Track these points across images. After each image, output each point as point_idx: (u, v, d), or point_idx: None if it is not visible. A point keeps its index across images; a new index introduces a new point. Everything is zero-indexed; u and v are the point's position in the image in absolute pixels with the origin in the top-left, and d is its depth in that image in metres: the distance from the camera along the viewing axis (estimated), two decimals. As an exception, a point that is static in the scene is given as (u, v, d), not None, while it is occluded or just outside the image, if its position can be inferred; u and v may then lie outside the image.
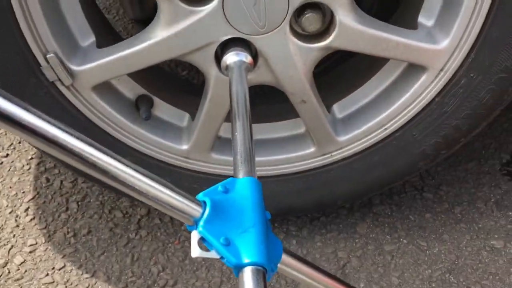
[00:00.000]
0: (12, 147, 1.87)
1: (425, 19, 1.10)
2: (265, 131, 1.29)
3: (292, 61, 1.07)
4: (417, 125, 1.18)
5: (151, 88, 1.25)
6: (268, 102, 1.34)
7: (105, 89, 1.16)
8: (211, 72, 1.09)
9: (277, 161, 1.27)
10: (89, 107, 1.15)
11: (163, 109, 1.26)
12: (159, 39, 1.04)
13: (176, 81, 1.36)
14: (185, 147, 1.24)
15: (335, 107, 1.26)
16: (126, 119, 1.19)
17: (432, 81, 1.13)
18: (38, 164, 1.75)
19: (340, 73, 1.31)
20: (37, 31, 1.04)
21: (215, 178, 1.30)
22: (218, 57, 1.08)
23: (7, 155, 1.85)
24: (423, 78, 1.13)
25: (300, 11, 1.02)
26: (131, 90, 1.22)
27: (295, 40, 1.05)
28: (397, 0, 1.26)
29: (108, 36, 1.21)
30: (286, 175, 1.29)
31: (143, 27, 1.15)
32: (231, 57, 1.03)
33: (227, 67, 1.04)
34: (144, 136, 1.22)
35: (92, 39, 1.12)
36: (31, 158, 1.76)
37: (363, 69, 1.24)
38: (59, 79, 1.09)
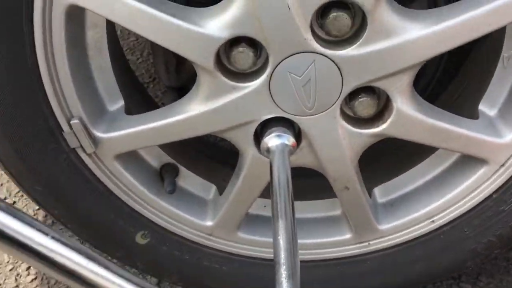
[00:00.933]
0: (20, 194, 1.77)
1: (487, 108, 1.00)
2: (296, 210, 1.18)
3: (339, 145, 0.97)
4: (470, 221, 1.07)
5: (177, 156, 1.14)
6: (301, 174, 1.24)
7: (129, 157, 1.06)
8: (249, 151, 0.99)
9: (307, 245, 1.15)
10: (110, 176, 1.05)
11: (188, 179, 1.15)
12: (195, 113, 0.94)
13: (203, 148, 1.26)
14: (209, 223, 1.13)
15: (377, 190, 1.15)
16: (148, 191, 1.09)
17: (491, 176, 1.02)
18: (46, 216, 1.64)
19: (384, 152, 1.21)
20: (63, 94, 0.95)
21: (238, 259, 1.18)
22: (258, 135, 0.98)
23: (14, 202, 1.75)
24: (481, 171, 1.02)
25: (353, 94, 0.93)
26: (156, 158, 1.12)
27: (345, 124, 0.95)
28: (453, 83, 1.17)
29: (138, 100, 1.12)
30: (316, 261, 1.17)
31: (177, 94, 1.06)
32: (272, 140, 0.93)
33: (268, 149, 0.93)
34: (166, 209, 1.11)
35: (120, 103, 1.03)
36: (39, 208, 1.65)
37: (411, 150, 1.14)
38: (81, 146, 0.99)
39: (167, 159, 1.13)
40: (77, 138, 0.98)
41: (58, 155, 1.00)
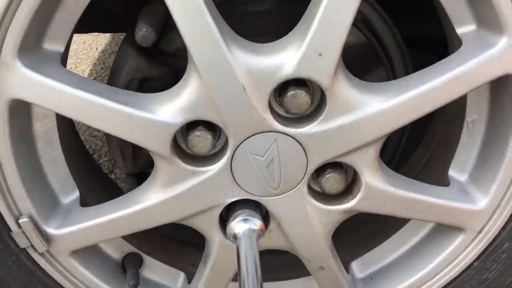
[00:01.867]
0: None
1: (457, 173, 0.97)
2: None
3: (309, 225, 0.92)
4: (454, 293, 1.01)
5: (140, 243, 1.07)
6: (273, 251, 1.17)
7: (86, 251, 0.98)
8: (215, 237, 0.93)
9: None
10: (66, 275, 0.96)
11: (153, 268, 1.07)
12: (154, 202, 0.88)
13: (168, 229, 1.19)
14: (178, 315, 1.05)
15: (354, 265, 1.09)
16: (109, 286, 1.00)
17: (470, 244, 0.97)
18: None
19: (358, 225, 1.16)
20: (9, 191, 0.88)
21: None
22: (223, 219, 0.93)
23: None
24: (459, 239, 0.98)
25: (319, 170, 0.89)
26: (117, 248, 1.05)
27: (314, 201, 0.90)
28: (419, 149, 1.15)
29: (96, 188, 1.06)
30: None
31: (135, 180, 1.00)
32: (238, 225, 0.87)
33: (234, 235, 0.87)
34: (131, 305, 1.02)
35: (75, 194, 0.97)
36: None
37: (386, 221, 1.09)
38: (32, 246, 0.91)
39: (129, 248, 1.06)
40: (27, 237, 0.90)
41: (6, 257, 0.92)
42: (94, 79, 2.64)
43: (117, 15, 1.28)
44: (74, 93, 0.79)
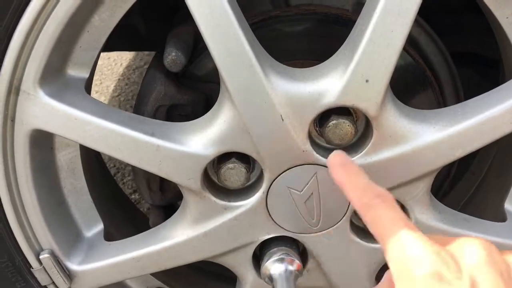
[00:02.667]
0: None
1: (515, 207, 0.88)
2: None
3: (352, 264, 0.84)
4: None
5: (167, 278, 1.01)
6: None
7: (111, 286, 0.92)
8: (247, 276, 0.86)
9: None
10: (89, 313, 0.90)
11: (181, 304, 1.01)
12: (183, 239, 0.81)
13: (197, 265, 1.12)
14: None
15: (397, 303, 1.00)
16: (135, 325, 0.94)
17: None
18: None
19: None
20: (30, 225, 0.82)
21: None
22: (257, 257, 0.85)
23: None
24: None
25: (363, 205, 0.81)
26: (143, 283, 0.98)
27: (357, 239, 0.82)
28: (465, 177, 1.06)
29: (122, 220, 1.00)
30: None
31: (163, 212, 0.94)
32: (275, 266, 0.80)
33: (270, 276, 0.80)
34: None
35: (99, 227, 0.91)
36: None
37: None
38: (54, 283, 0.86)
39: (155, 283, 0.99)
40: (49, 274, 0.85)
41: (26, 295, 0.86)
42: (118, 95, 2.62)
43: (143, 33, 1.23)
44: (98, 123, 0.73)
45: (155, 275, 0.99)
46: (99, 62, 2.92)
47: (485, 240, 0.52)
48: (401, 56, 0.86)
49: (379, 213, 0.57)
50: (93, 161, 0.94)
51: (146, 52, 2.76)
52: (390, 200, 0.58)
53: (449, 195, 1.13)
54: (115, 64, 2.94)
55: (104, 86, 2.76)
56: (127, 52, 2.99)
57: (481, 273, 0.49)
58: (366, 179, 0.62)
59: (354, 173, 0.63)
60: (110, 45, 1.27)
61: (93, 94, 2.44)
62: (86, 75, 0.78)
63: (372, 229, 0.57)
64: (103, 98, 2.60)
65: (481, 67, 1.25)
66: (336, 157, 0.67)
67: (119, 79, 2.80)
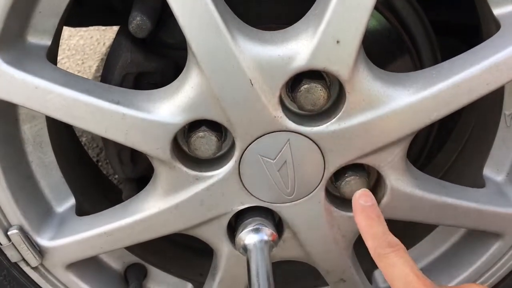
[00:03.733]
0: None
1: (494, 173, 0.87)
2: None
3: (328, 234, 0.82)
4: (490, 305, 0.91)
5: (144, 253, 0.99)
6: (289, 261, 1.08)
7: (85, 263, 0.90)
8: (223, 248, 0.84)
9: None
10: (63, 290, 0.89)
11: (158, 280, 0.99)
12: (154, 211, 0.79)
13: (175, 236, 1.10)
14: (186, 331, 0.96)
15: (377, 273, 0.99)
16: (111, 301, 0.92)
17: (508, 251, 0.87)
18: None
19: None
20: (-3, 200, 0.80)
21: None
22: (232, 228, 0.84)
23: None
24: (496, 246, 0.87)
25: (338, 173, 0.79)
26: (118, 259, 0.97)
27: (333, 208, 0.81)
28: (446, 146, 1.04)
29: (94, 195, 0.97)
30: None
31: (135, 185, 0.92)
32: (249, 236, 0.78)
33: (244, 247, 0.78)
34: (134, 320, 0.94)
35: (71, 202, 0.88)
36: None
37: (411, 227, 0.99)
38: (24, 259, 0.84)
39: (132, 259, 0.97)
40: (18, 250, 0.83)
41: (-4, 272, 0.84)
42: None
43: (117, 7, 1.19)
44: (60, 91, 0.70)
45: (132, 250, 0.97)
46: (81, 42, 2.88)
47: None
48: (376, 20, 0.84)
49: (390, 262, 0.65)
50: (63, 134, 0.91)
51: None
52: (401, 250, 0.67)
53: (431, 164, 1.11)
54: (98, 44, 2.88)
55: (87, 66, 2.70)
56: (110, 32, 2.93)
57: None
58: (382, 227, 0.71)
59: (372, 218, 0.72)
60: (84, 19, 1.24)
61: (75, 73, 2.39)
62: (48, 42, 0.75)
63: (385, 277, 0.66)
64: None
65: (467, 37, 1.22)
66: (362, 197, 0.75)
67: (102, 59, 2.75)
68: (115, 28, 2.88)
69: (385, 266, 0.66)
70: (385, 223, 0.72)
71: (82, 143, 2.08)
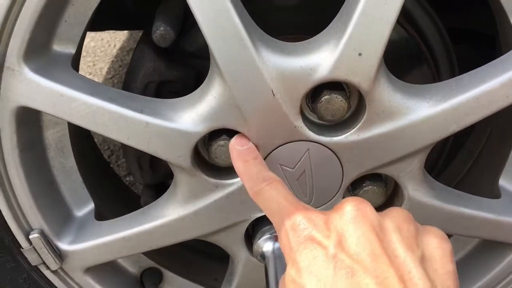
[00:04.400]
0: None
1: (510, 184, 0.87)
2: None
3: (345, 242, 0.83)
4: (504, 315, 0.92)
5: (160, 257, 1.00)
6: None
7: (103, 267, 0.91)
8: (240, 255, 0.85)
9: None
10: (81, 293, 0.90)
11: (174, 284, 1.00)
12: (174, 217, 0.80)
13: (191, 241, 1.11)
14: (201, 336, 0.98)
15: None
16: (127, 305, 0.94)
17: (523, 262, 0.88)
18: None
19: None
20: (19, 205, 0.81)
21: None
22: (249, 236, 0.85)
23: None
24: (510, 257, 0.88)
25: (357, 182, 0.80)
26: (135, 263, 0.98)
27: (350, 217, 0.82)
28: (460, 155, 1.05)
29: (113, 200, 0.99)
30: None
31: (154, 191, 0.93)
32: (267, 243, 0.79)
33: (262, 254, 0.79)
34: (150, 324, 0.95)
35: (90, 206, 0.90)
36: None
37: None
38: (44, 263, 0.85)
39: (148, 263, 0.99)
40: (39, 254, 0.84)
41: (17, 275, 0.86)
42: (112, 77, 2.59)
43: (132, 11, 1.21)
44: (84, 99, 0.71)
45: (148, 255, 0.98)
46: (92, 44, 2.90)
47: (360, 200, 0.55)
48: (395, 30, 0.84)
49: (266, 196, 0.62)
50: (83, 140, 0.92)
51: (140, 33, 2.74)
52: (275, 183, 0.63)
53: (445, 172, 1.12)
54: (109, 46, 2.90)
55: (98, 68, 2.73)
56: (120, 34, 2.95)
57: (349, 228, 0.52)
58: (258, 166, 0.68)
59: (248, 161, 0.69)
60: (100, 23, 1.25)
61: (86, 76, 2.42)
62: (72, 51, 0.76)
63: (266, 213, 0.63)
64: (97, 80, 2.58)
65: (479, 44, 1.23)
66: (237, 142, 0.72)
67: (112, 61, 2.77)
68: (126, 31, 2.90)
69: (261, 202, 0.63)
70: (263, 163, 0.69)
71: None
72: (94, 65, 2.71)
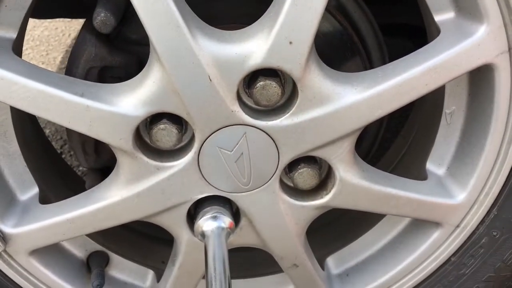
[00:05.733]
0: None
1: (435, 167, 0.94)
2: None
3: (282, 221, 0.88)
4: (430, 288, 0.99)
5: (106, 241, 1.02)
6: (247, 248, 1.13)
7: (48, 250, 0.93)
8: (182, 235, 0.88)
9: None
10: (26, 276, 0.91)
11: (120, 267, 1.02)
12: (117, 199, 0.83)
13: (137, 225, 1.14)
14: (147, 316, 1.00)
15: (330, 260, 1.06)
16: (73, 287, 0.95)
17: (447, 239, 0.95)
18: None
19: (333, 220, 1.12)
20: (-39, 188, 0.82)
21: None
22: (191, 216, 0.88)
23: None
24: (436, 234, 0.95)
25: (292, 165, 0.84)
26: (81, 247, 0.99)
27: (286, 197, 0.86)
28: (396, 141, 1.11)
29: (59, 185, 1.00)
30: None
31: (99, 175, 0.95)
32: (207, 223, 0.82)
33: (202, 233, 0.83)
34: (96, 306, 0.97)
35: (34, 190, 0.91)
36: None
37: (361, 217, 1.06)
38: (-13, 246, 0.86)
39: (94, 246, 1.00)
40: (-19, 237, 0.85)
41: (-42, 258, 0.86)
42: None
43: (77, -1, 1.21)
44: (25, 83, 0.73)
45: (94, 238, 1.00)
46: (46, 33, 2.84)
47: None
48: (329, 22, 0.89)
49: None
50: (26, 124, 0.93)
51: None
52: None
53: (382, 159, 1.18)
54: (63, 35, 2.85)
55: (51, 57, 2.68)
56: (75, 23, 2.91)
57: None
58: None
59: None
60: (45, 10, 1.25)
61: (39, 65, 2.37)
62: (13, 35, 0.77)
63: None
64: (50, 70, 2.54)
65: (420, 39, 1.30)
66: None
67: (66, 50, 2.73)
68: (81, 20, 2.86)
69: None
70: None
71: (46, 135, 2.07)
72: (47, 54, 2.67)
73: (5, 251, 0.88)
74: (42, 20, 2.83)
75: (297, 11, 0.70)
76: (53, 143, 2.03)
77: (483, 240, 0.94)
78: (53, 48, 2.70)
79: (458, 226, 0.93)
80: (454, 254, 0.96)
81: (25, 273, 0.91)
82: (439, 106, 0.91)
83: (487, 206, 0.91)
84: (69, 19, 2.91)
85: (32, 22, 2.79)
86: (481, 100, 0.86)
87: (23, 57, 0.82)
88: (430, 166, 0.95)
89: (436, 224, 0.94)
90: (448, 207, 0.91)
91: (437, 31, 0.81)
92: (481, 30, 0.76)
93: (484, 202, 0.90)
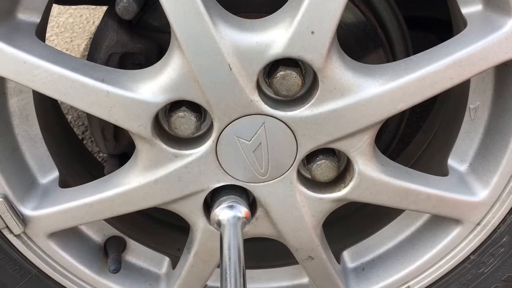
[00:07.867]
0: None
1: (457, 163, 0.92)
2: (258, 278, 1.07)
3: (298, 213, 0.87)
4: (448, 286, 0.97)
5: (124, 227, 1.03)
6: (263, 239, 1.13)
7: (66, 234, 0.94)
8: (199, 223, 0.89)
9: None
10: (44, 258, 0.92)
11: (137, 253, 1.04)
12: (134, 185, 0.83)
13: (155, 212, 1.14)
14: (162, 301, 1.01)
15: (346, 254, 1.05)
16: (90, 270, 0.96)
17: (467, 236, 0.93)
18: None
19: (351, 213, 1.11)
20: (-18, 170, 0.84)
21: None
22: (208, 205, 0.88)
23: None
24: (456, 232, 0.93)
25: (310, 156, 0.84)
26: (99, 231, 1.01)
27: (304, 189, 0.86)
28: (417, 137, 1.09)
29: (78, 169, 1.01)
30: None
31: (118, 161, 0.96)
32: (223, 212, 0.82)
33: (218, 222, 0.83)
34: (112, 290, 0.99)
35: (54, 174, 0.92)
36: None
37: (379, 211, 1.05)
38: (7, 227, 0.87)
39: (112, 231, 1.02)
40: (2, 218, 0.86)
41: (-20, 238, 0.88)
42: (90, 53, 2.57)
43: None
44: (47, 67, 0.73)
45: (112, 223, 1.01)
46: (71, 20, 2.87)
47: None
48: (352, 12, 0.88)
49: None
50: (48, 108, 0.94)
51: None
52: None
53: (402, 154, 1.17)
54: (87, 23, 2.88)
55: (75, 44, 2.71)
56: (100, 10, 2.93)
57: None
58: None
59: None
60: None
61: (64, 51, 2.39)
62: (37, 19, 0.78)
63: None
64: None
65: (444, 33, 1.27)
66: None
67: (90, 38, 2.75)
68: (105, 8, 2.89)
69: None
70: None
71: (68, 121, 2.11)
72: (71, 41, 2.70)
73: (24, 233, 0.89)
74: (67, 7, 2.86)
75: (319, 1, 0.69)
76: (75, 129, 2.06)
77: (504, 239, 0.92)
78: (77, 35, 2.73)
79: (478, 224, 0.91)
80: (473, 253, 0.94)
81: (43, 255, 0.92)
82: (463, 101, 0.89)
83: (509, 205, 0.89)
84: (93, 7, 2.94)
85: (57, 8, 2.83)
86: (506, 96, 0.83)
87: (47, 44, 0.83)
88: (451, 162, 0.93)
89: (456, 221, 0.93)
90: (469, 205, 0.89)
91: (464, 24, 0.79)
92: (510, 24, 0.74)
93: (506, 200, 0.88)
